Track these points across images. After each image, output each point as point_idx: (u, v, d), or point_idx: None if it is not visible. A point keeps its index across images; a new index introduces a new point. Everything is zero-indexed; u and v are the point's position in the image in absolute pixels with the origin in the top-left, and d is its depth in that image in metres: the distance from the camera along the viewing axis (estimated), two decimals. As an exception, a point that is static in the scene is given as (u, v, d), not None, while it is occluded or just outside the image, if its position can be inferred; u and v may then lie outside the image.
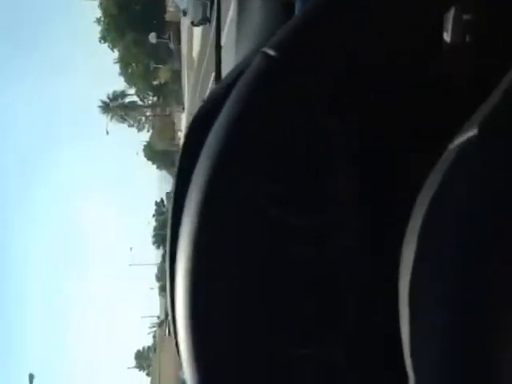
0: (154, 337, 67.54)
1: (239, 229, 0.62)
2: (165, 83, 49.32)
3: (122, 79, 50.77)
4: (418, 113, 0.68)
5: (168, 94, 51.35)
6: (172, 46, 46.49)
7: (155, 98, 53.47)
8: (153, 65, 46.37)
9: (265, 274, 0.63)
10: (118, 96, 52.17)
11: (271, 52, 0.68)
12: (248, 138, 0.65)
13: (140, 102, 53.72)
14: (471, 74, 0.68)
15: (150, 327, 71.66)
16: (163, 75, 47.99)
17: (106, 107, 51.77)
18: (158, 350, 57.57)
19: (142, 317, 73.13)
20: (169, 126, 55.77)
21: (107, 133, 50.47)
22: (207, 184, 0.62)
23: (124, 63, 48.23)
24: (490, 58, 0.69)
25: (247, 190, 0.62)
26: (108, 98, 52.21)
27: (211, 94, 1.00)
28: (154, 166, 64.64)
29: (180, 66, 48.47)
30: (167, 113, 54.54)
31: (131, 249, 62.39)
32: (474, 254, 0.54)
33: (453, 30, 0.66)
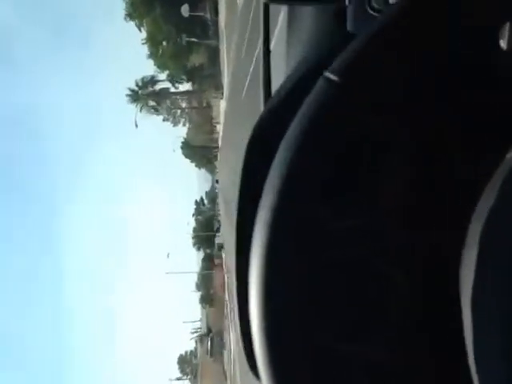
0: (196, 342, 64.35)
1: (304, 242, 0.70)
2: (200, 66, 42.10)
3: (151, 63, 43.86)
4: (475, 121, 0.70)
5: (204, 78, 44.17)
6: (208, 16, 39.23)
7: (189, 84, 46.23)
8: (185, 38, 39.15)
9: (322, 276, 0.70)
10: (148, 82, 45.43)
11: (333, 77, 0.71)
12: (311, 168, 0.70)
13: (173, 89, 46.63)
14: None
15: (192, 332, 68.57)
16: (197, 57, 40.76)
17: (134, 96, 44.95)
18: (199, 377, 50.95)
19: (184, 322, 69.36)
20: (206, 119, 49.23)
21: (136, 126, 43.90)
22: (276, 205, 0.70)
23: (153, 42, 41.31)
24: None
25: (309, 211, 0.69)
26: (136, 85, 45.40)
27: (266, 113, 1.02)
28: (193, 164, 59.09)
29: (218, 43, 41.27)
30: (204, 104, 47.72)
31: (168, 255, 55.96)
32: None
33: (510, 37, 0.68)
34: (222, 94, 41.04)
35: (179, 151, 55.73)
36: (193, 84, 46.58)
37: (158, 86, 46.31)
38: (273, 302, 0.71)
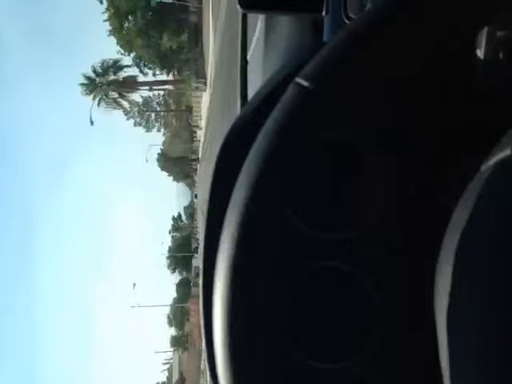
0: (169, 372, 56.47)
1: (274, 249, 0.68)
2: (177, 46, 32.01)
3: (113, 44, 33.65)
4: (451, 129, 0.69)
5: (182, 62, 34.03)
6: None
7: (164, 73, 36.07)
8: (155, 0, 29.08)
9: (297, 289, 0.68)
10: (109, 68, 35.05)
11: (305, 83, 0.70)
12: (281, 170, 0.69)
13: (142, 77, 36.46)
14: (505, 91, 0.69)
15: (164, 363, 60.22)
16: (172, 35, 30.72)
17: (90, 85, 34.61)
18: None
19: (156, 352, 60.80)
20: (186, 124, 40.75)
21: (91, 123, 33.72)
22: (244, 213, 0.68)
23: (116, 15, 31.02)
24: None
25: (280, 216, 0.68)
26: (94, 71, 35.00)
27: (239, 119, 1.05)
28: (171, 178, 51.09)
29: (198, 20, 31.31)
30: (183, 107, 38.43)
31: (134, 285, 45.93)
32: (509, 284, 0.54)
33: (486, 47, 0.67)
34: (205, 83, 31.23)
35: (154, 162, 47.06)
36: (167, 71, 36.44)
37: (123, 74, 36.15)
38: (236, 313, 0.68)
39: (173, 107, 43.63)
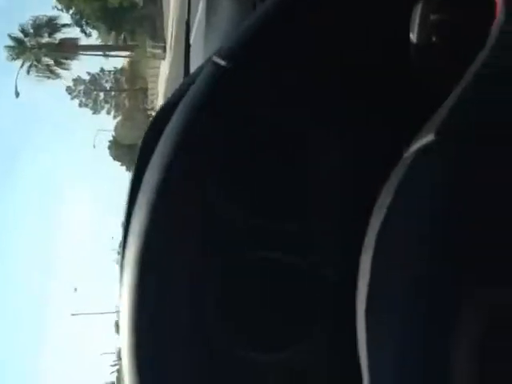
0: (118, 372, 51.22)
1: (198, 235, 0.67)
2: (130, 6, 25.33)
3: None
4: (383, 114, 0.68)
5: (134, 21, 27.25)
6: None
7: (113, 35, 29.22)
8: None
9: (230, 280, 0.67)
10: (43, 27, 27.88)
11: (220, 61, 0.70)
12: (197, 146, 0.69)
13: (84, 40, 29.53)
14: (437, 75, 0.69)
15: (112, 365, 54.61)
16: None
17: (19, 47, 27.48)
18: None
19: (102, 354, 55.00)
20: (141, 105, 34.54)
21: (17, 94, 26.75)
22: (156, 195, 0.68)
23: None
24: (456, 59, 0.69)
25: (198, 195, 0.67)
26: (23, 30, 27.83)
27: (167, 102, 1.06)
28: (124, 168, 45.55)
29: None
30: (137, 86, 35.50)
31: (75, 290, 39.91)
32: (432, 266, 0.54)
33: (419, 31, 0.67)
34: (164, 48, 24.72)
35: (104, 150, 41.09)
36: (117, 33, 29.56)
37: (61, 35, 29.06)
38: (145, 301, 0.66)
39: (125, 86, 37.20)
